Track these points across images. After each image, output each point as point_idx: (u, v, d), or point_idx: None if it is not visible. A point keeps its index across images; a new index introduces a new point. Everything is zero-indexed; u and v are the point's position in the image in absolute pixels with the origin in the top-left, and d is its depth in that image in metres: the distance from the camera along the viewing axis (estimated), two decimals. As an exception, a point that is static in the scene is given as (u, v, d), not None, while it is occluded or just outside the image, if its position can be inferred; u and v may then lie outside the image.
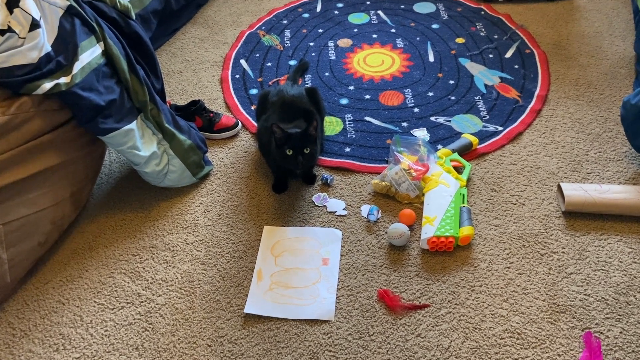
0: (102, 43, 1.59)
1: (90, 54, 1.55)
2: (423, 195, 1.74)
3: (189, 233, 1.71)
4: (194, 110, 2.02)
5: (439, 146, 1.93)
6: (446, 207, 1.65)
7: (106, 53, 1.60)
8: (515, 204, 1.72)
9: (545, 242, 1.60)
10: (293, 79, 2.15)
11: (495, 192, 1.76)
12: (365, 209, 1.74)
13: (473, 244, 1.61)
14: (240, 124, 2.07)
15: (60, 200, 1.60)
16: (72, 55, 1.50)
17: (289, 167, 1.68)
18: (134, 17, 1.80)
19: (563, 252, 1.57)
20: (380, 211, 1.72)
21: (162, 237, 1.70)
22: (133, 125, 1.65)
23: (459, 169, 1.82)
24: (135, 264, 1.63)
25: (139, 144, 1.67)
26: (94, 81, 1.55)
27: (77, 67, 1.50)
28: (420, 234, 1.63)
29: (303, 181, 1.85)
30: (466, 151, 1.89)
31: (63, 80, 1.47)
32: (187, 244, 1.68)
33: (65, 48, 1.50)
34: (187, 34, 2.62)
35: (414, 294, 1.50)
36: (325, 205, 1.77)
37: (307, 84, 2.24)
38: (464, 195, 1.71)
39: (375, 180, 1.78)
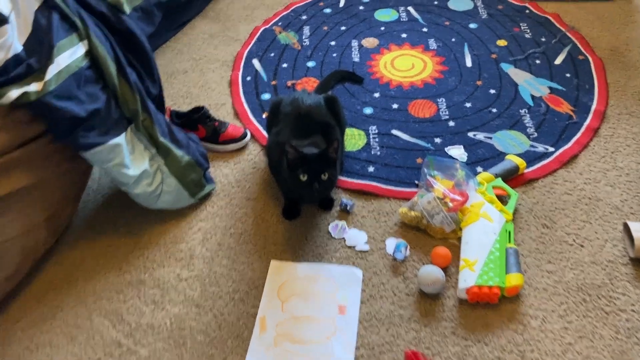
0: (85, 42, 1.35)
1: (69, 56, 1.30)
2: (460, 230, 1.47)
3: (183, 266, 1.46)
4: (197, 118, 1.77)
5: (479, 169, 1.65)
6: (489, 247, 1.37)
7: (90, 54, 1.35)
8: (572, 245, 1.43)
9: (610, 297, 1.32)
10: (322, 88, 1.85)
11: (548, 229, 1.48)
12: (390, 243, 1.47)
13: (522, 295, 1.33)
14: (249, 135, 1.81)
15: (33, 226, 1.36)
16: (45, 58, 1.26)
17: (302, 194, 1.42)
18: (127, 11, 1.55)
19: (633, 311, 1.28)
20: (408, 248, 1.45)
21: (152, 270, 1.45)
22: (121, 138, 1.40)
23: (502, 199, 1.54)
24: (118, 303, 1.39)
25: (128, 160, 1.42)
26: (74, 88, 1.30)
27: (51, 71, 1.26)
28: (457, 280, 1.36)
29: (318, 206, 1.59)
30: (511, 176, 1.61)
31: (34, 87, 1.23)
32: (180, 280, 1.43)
33: (39, 48, 1.26)
34: (195, 29, 2.36)
35: (450, 358, 1.23)
36: (343, 238, 1.50)
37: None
38: (510, 232, 1.43)
39: (404, 209, 1.51)
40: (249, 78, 2.06)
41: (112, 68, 1.38)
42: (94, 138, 1.35)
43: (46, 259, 1.49)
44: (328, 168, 1.36)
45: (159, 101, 1.69)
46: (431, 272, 1.33)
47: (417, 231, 1.50)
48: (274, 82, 2.04)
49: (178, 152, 1.52)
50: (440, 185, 1.52)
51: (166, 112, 1.78)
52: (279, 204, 1.60)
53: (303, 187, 1.36)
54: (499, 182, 1.56)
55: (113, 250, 1.52)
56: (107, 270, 1.47)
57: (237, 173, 1.71)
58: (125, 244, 1.53)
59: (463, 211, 1.48)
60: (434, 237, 1.48)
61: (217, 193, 1.65)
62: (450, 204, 1.46)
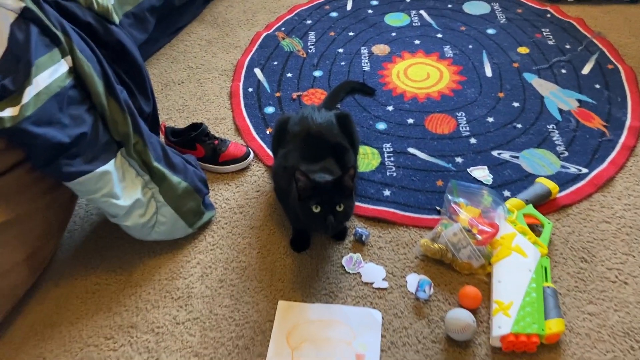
0: (69, 58, 1.19)
1: (50, 74, 1.14)
2: (489, 264, 1.32)
3: (180, 307, 1.31)
4: (195, 137, 1.61)
5: (506, 193, 1.49)
6: (525, 287, 1.22)
7: (75, 71, 1.19)
8: (614, 282, 1.28)
9: (663, 345, 1.17)
10: (331, 101, 1.70)
11: (587, 264, 1.33)
12: (412, 280, 1.32)
13: (562, 342, 1.18)
14: (252, 154, 1.65)
15: (12, 267, 1.21)
16: (22, 78, 1.10)
17: (314, 227, 1.27)
18: (116, 21, 1.39)
19: (690, 362, 1.14)
20: (432, 286, 1.29)
21: (145, 312, 1.30)
22: (110, 165, 1.24)
23: (534, 228, 1.39)
24: (107, 351, 1.23)
25: (118, 189, 1.26)
26: (55, 111, 1.14)
27: (29, 93, 1.10)
28: (489, 325, 1.21)
29: (331, 236, 1.43)
30: (542, 202, 1.45)
31: (8, 113, 1.07)
32: (177, 323, 1.27)
33: (15, 67, 1.10)
34: (192, 34, 2.20)
35: (485, 419, 1.08)
36: (359, 272, 1.35)
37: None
38: (546, 269, 1.28)
39: (426, 241, 1.35)
40: (250, 89, 1.91)
41: (99, 86, 1.22)
42: (80, 166, 1.19)
43: (26, 299, 1.34)
44: (344, 199, 1.21)
45: (153, 120, 1.54)
46: (461, 318, 1.18)
47: (440, 265, 1.35)
48: (278, 94, 1.88)
49: (174, 179, 1.36)
50: (466, 214, 1.37)
51: (160, 129, 1.63)
52: (286, 233, 1.45)
53: (315, 220, 1.21)
54: (531, 209, 1.41)
55: (102, 287, 1.36)
56: (95, 311, 1.31)
57: (239, 197, 1.55)
58: (115, 280, 1.37)
59: (493, 244, 1.33)
60: (460, 272, 1.33)
61: (218, 220, 1.50)
62: (479, 237, 1.31)
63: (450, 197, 1.41)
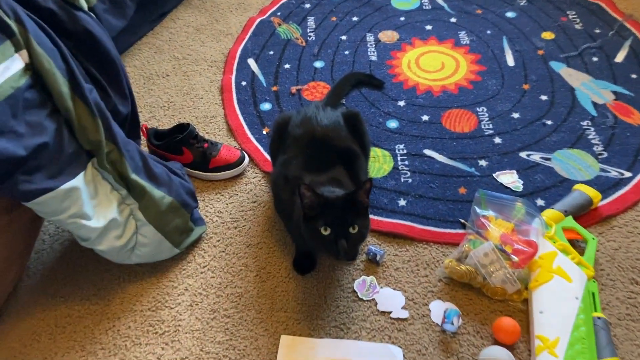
0: (24, 52, 0.98)
1: (1, 73, 0.94)
2: (526, 289, 1.13)
3: (166, 344, 1.11)
4: (182, 139, 1.40)
5: (539, 202, 1.30)
6: (573, 319, 1.04)
7: (32, 69, 0.98)
8: (673, 309, 1.10)
9: None
10: (335, 96, 1.50)
11: (638, 286, 1.14)
12: (436, 308, 1.14)
13: (618, 386, 1.00)
14: (247, 159, 1.45)
15: (-40, 303, 1.01)
16: (-38, 78, 0.89)
17: (323, 252, 1.08)
18: (84, 7, 1.18)
19: None
20: (461, 316, 1.11)
21: (125, 350, 1.11)
22: (79, 180, 1.04)
23: (574, 243, 1.20)
24: (79, 402, 1.04)
25: (89, 208, 1.06)
26: (7, 118, 0.94)
27: (-30, 98, 0.89)
28: (531, 366, 1.03)
29: (339, 255, 1.24)
30: (582, 212, 1.27)
31: (-56, 122, 0.86)
32: (163, 365, 1.08)
33: (-47, 65, 0.89)
34: (178, 21, 1.98)
35: None
36: (373, 299, 1.16)
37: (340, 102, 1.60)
38: (595, 295, 1.10)
39: (451, 262, 1.17)
40: (244, 83, 1.70)
41: (63, 86, 1.01)
42: (41, 182, 0.99)
43: (-14, 336, 1.14)
44: (358, 218, 1.01)
45: (132, 122, 1.33)
46: (499, 358, 0.99)
47: (468, 290, 1.16)
48: (275, 88, 1.67)
49: (156, 193, 1.16)
50: (497, 229, 1.18)
51: (142, 132, 1.42)
52: (287, 252, 1.26)
53: (324, 244, 1.01)
54: (571, 221, 1.22)
55: (74, 320, 1.16)
56: (67, 350, 1.12)
57: (233, 209, 1.36)
58: (90, 311, 1.18)
59: (531, 265, 1.14)
60: (491, 297, 1.15)
61: (209, 238, 1.30)
62: (515, 258, 1.12)
63: (478, 209, 1.22)
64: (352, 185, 1.12)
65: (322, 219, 1.00)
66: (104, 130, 1.08)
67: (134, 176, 1.12)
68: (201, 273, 1.23)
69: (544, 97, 1.57)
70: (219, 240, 1.29)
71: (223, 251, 1.27)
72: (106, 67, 1.21)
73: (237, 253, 1.27)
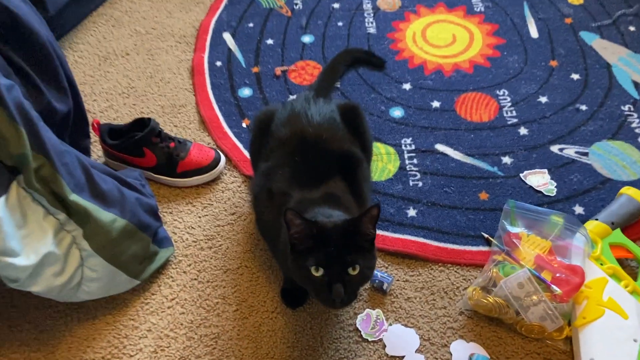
0: None
1: None
2: (569, 327, 0.91)
3: (125, 407, 0.89)
4: (142, 138, 1.15)
5: (577, 208, 1.08)
6: (633, 370, 0.83)
7: None
8: None
9: None
10: (326, 80, 1.25)
11: None
12: (459, 351, 0.92)
13: None
14: (223, 159, 1.20)
15: None
16: None
17: (312, 296, 0.85)
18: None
19: None
20: (491, 363, 0.89)
21: (72, 418, 0.88)
22: (-2, 206, 0.79)
23: (623, 263, 0.99)
24: None
25: (14, 242, 0.82)
26: None
27: None
28: None
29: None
30: (631, 222, 1.04)
31: None
32: None
33: None
34: (141, -12, 1.69)
35: None
36: (381, 339, 0.94)
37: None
38: (657, 336, 0.88)
39: (475, 291, 0.94)
40: (219, 63, 1.43)
41: (-33, 84, 0.75)
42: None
43: None
44: (360, 255, 0.78)
45: (77, 120, 1.07)
46: None
47: (497, 325, 0.95)
48: (256, 69, 1.41)
49: (105, 216, 0.91)
50: (531, 250, 0.95)
51: (93, 129, 1.17)
52: (275, 279, 1.03)
53: (316, 287, 0.78)
54: (619, 236, 1.00)
55: (9, 377, 0.94)
56: (-1, 417, 0.89)
57: (207, 224, 1.12)
58: (29, 362, 0.95)
59: (576, 297, 0.92)
60: (526, 335, 0.93)
61: (177, 261, 1.06)
62: (558, 290, 0.90)
63: (506, 224, 0.99)
64: (354, 202, 0.89)
65: (313, 256, 0.77)
66: (30, 139, 0.82)
67: (73, 197, 0.87)
68: (168, 308, 1.00)
69: (575, 76, 1.33)
70: (189, 265, 1.06)
71: (195, 279, 1.04)
72: (35, 53, 0.95)
73: (212, 281, 1.03)
